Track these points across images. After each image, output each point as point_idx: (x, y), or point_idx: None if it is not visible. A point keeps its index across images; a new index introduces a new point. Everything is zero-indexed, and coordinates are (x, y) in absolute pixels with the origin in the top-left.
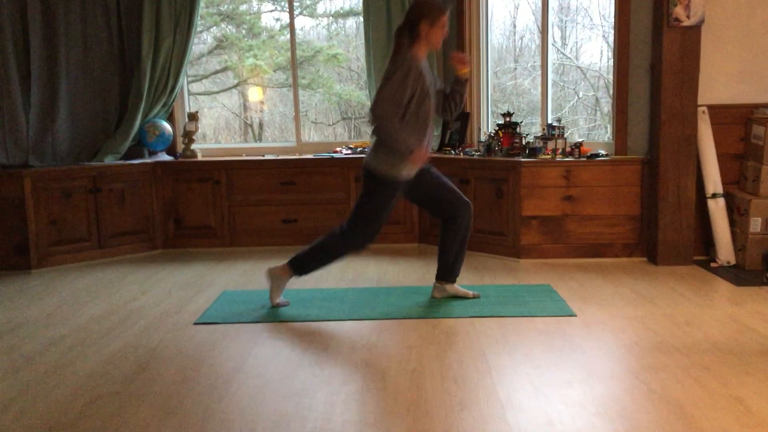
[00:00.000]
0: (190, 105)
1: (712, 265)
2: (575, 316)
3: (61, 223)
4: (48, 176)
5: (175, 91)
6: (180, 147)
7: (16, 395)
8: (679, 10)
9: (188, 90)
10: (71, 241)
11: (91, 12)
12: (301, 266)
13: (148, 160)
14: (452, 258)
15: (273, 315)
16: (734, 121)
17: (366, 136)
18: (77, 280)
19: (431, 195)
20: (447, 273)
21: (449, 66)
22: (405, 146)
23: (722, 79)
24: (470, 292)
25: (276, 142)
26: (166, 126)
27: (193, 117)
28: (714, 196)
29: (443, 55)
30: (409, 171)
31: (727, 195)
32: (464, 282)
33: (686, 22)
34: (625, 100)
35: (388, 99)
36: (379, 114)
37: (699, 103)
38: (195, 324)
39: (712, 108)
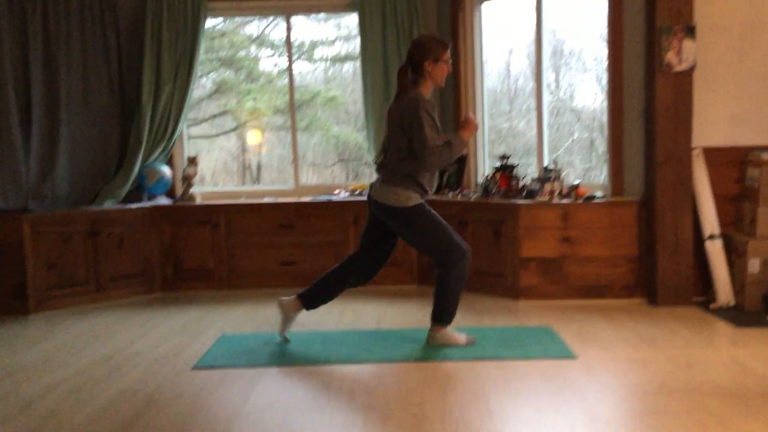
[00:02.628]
0: (189, 149)
1: (712, 306)
2: (576, 358)
3: (60, 267)
4: (47, 220)
5: (175, 135)
6: (179, 190)
7: None
8: (670, 56)
9: (187, 134)
10: (69, 284)
11: (92, 59)
12: (444, 316)
13: (147, 204)
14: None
15: (271, 359)
16: (729, 162)
17: (362, 179)
18: (75, 324)
19: (381, 239)
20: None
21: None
22: (458, 147)
23: (716, 122)
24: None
25: (274, 185)
26: (166, 170)
27: (193, 161)
28: (711, 237)
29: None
30: (421, 197)
31: (724, 236)
32: (463, 324)
33: (678, 68)
34: (620, 142)
35: (429, 138)
36: (428, 156)
37: (693, 145)
38: (193, 369)
39: (707, 150)
